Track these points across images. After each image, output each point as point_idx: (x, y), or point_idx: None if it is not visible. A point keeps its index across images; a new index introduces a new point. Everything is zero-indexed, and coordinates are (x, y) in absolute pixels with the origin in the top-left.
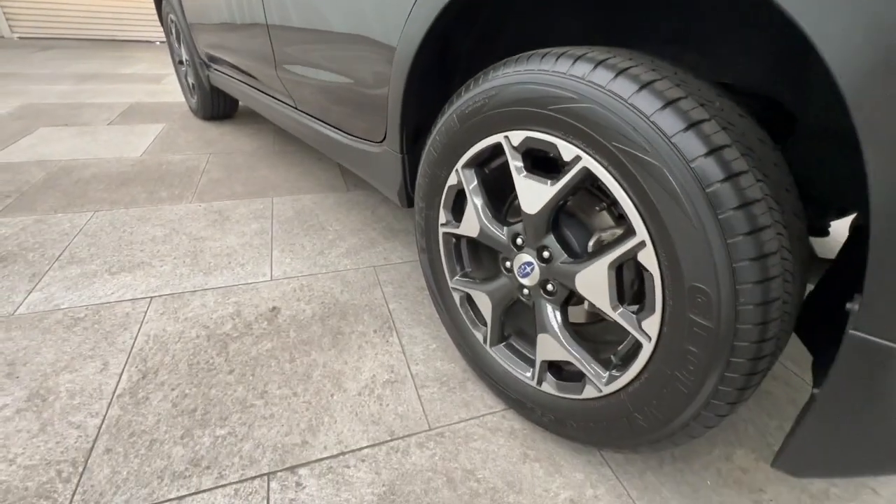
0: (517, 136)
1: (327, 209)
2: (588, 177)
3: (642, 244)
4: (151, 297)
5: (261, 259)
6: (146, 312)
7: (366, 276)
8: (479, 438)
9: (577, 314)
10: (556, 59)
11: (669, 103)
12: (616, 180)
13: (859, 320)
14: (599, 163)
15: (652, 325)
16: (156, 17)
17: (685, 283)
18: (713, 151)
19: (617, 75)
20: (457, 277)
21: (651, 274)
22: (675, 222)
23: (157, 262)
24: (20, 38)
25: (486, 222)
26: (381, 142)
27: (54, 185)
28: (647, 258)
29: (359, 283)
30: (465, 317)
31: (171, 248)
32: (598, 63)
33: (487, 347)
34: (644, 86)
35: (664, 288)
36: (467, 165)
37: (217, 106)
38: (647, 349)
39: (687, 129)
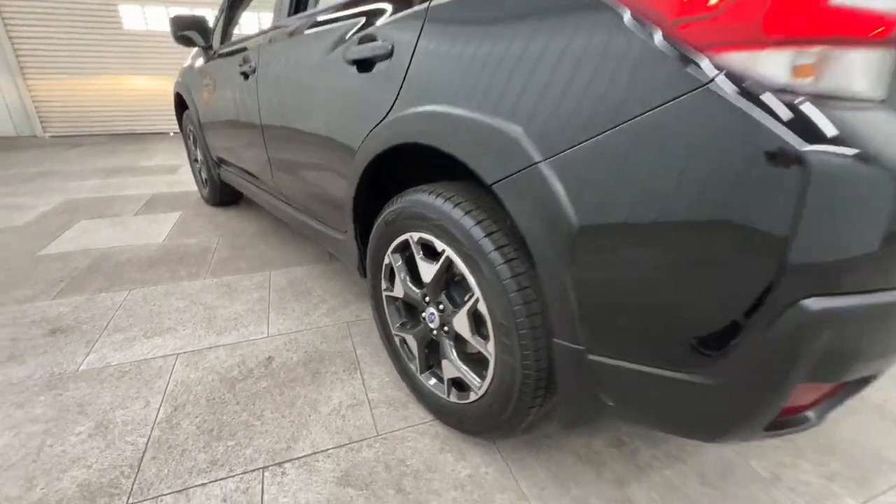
0: (415, 236)
1: (314, 278)
2: (449, 260)
3: (478, 300)
4: (178, 354)
5: (260, 321)
6: (174, 365)
7: (340, 329)
8: (411, 440)
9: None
10: (427, 194)
11: (478, 223)
12: (461, 262)
13: (557, 333)
14: (454, 252)
15: (490, 347)
16: (170, 110)
17: (497, 320)
18: (498, 248)
19: (454, 206)
20: (397, 326)
21: (484, 316)
22: (488, 286)
23: (181, 327)
24: (51, 136)
25: (408, 288)
26: (345, 232)
27: (97, 270)
28: (482, 306)
29: (335, 335)
30: (404, 354)
31: (190, 315)
32: (445, 198)
33: (418, 374)
34: (466, 212)
35: (491, 323)
36: (394, 251)
37: (225, 195)
38: (492, 363)
39: (486, 236)
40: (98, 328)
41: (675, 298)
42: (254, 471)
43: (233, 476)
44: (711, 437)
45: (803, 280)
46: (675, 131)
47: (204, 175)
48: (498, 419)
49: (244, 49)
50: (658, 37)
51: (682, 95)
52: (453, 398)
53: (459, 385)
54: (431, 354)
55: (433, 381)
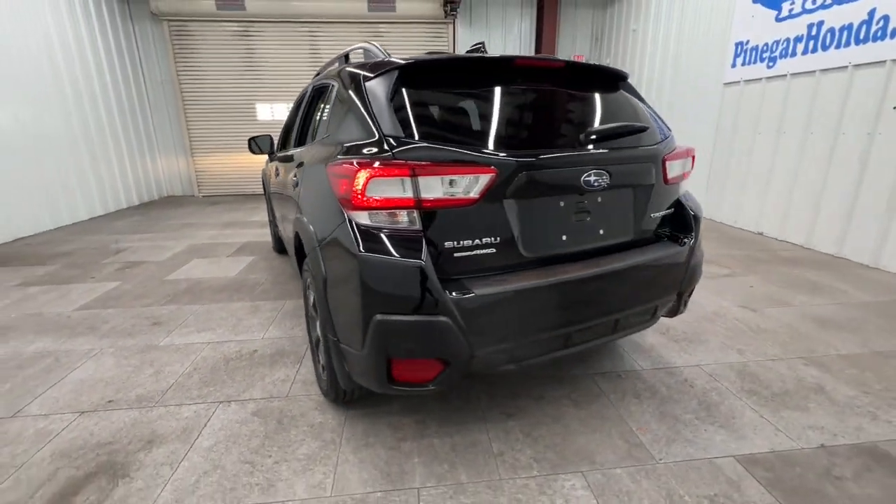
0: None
1: None
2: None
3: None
4: (208, 343)
5: (262, 330)
6: (204, 349)
7: (306, 339)
8: (302, 401)
9: None
10: None
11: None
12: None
13: (332, 332)
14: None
15: (321, 346)
16: None
17: (319, 328)
18: (308, 277)
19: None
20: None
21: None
22: (313, 304)
23: (217, 328)
24: (203, 196)
25: (310, 305)
26: None
27: (189, 291)
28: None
29: (301, 342)
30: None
31: (226, 322)
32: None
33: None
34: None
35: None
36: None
37: (282, 245)
38: (322, 358)
39: (304, 270)
40: (177, 324)
41: (343, 302)
42: (220, 402)
43: (204, 404)
44: (376, 387)
45: (376, 304)
46: (339, 230)
47: (272, 231)
48: (334, 392)
49: (290, 157)
50: (339, 205)
51: (342, 223)
52: (324, 378)
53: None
54: (317, 350)
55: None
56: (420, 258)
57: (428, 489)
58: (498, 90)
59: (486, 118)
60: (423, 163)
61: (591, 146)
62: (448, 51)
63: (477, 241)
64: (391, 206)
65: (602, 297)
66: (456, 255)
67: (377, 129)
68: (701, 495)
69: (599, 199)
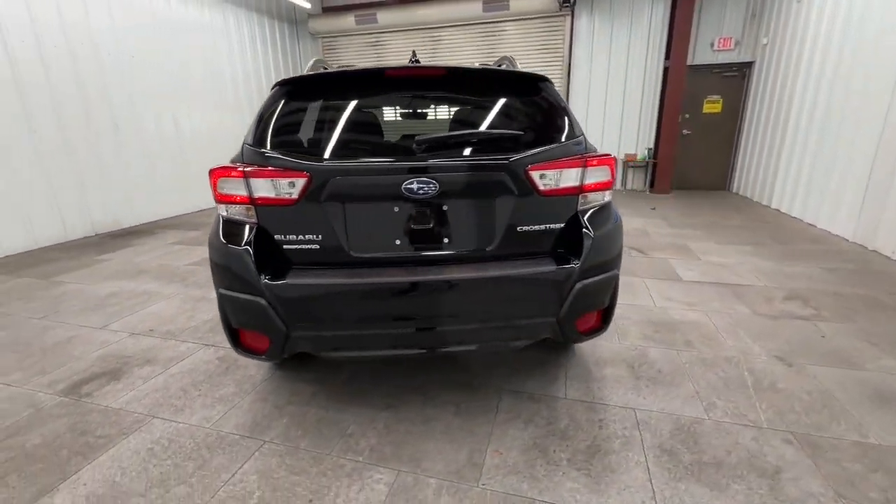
0: None
1: None
2: None
3: None
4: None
5: None
6: None
7: None
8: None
9: None
10: None
11: None
12: None
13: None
14: None
15: None
16: None
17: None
18: None
19: None
20: None
21: None
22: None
23: None
24: None
25: None
26: None
27: None
28: None
29: None
30: None
31: None
32: None
33: None
34: None
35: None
36: None
37: None
38: None
39: None
40: None
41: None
42: (206, 345)
43: (196, 344)
44: (233, 349)
45: (219, 280)
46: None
47: None
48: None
49: None
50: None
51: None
52: None
53: None
54: None
55: None
56: (244, 245)
57: (270, 444)
58: (354, 102)
59: (332, 128)
60: (254, 167)
61: (424, 154)
62: (563, 46)
63: (301, 236)
64: (233, 201)
65: (436, 305)
66: (285, 246)
67: (250, 135)
68: None
69: (445, 208)
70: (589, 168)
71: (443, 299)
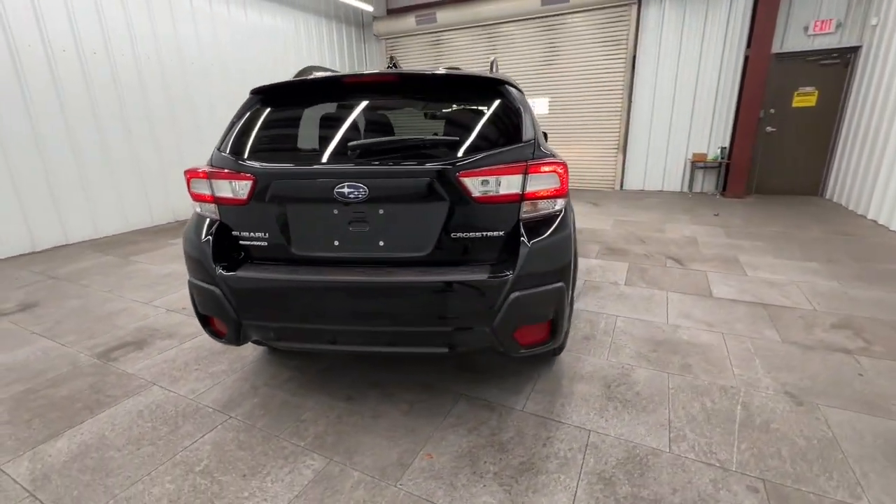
0: None
1: None
2: None
3: None
4: None
5: None
6: None
7: None
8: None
9: None
10: None
11: None
12: None
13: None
14: None
15: None
16: None
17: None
18: None
19: None
20: None
21: None
22: None
23: None
24: None
25: None
26: None
27: None
28: None
29: None
30: None
31: None
32: None
33: None
34: None
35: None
36: None
37: None
38: None
39: None
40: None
41: None
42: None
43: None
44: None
45: (188, 269)
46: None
47: None
48: None
49: None
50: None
51: None
52: None
53: None
54: None
55: None
56: (205, 238)
57: (234, 419)
58: (310, 109)
59: (285, 134)
60: (213, 169)
61: (359, 160)
62: (627, 38)
63: (253, 233)
64: (202, 199)
65: (368, 306)
66: (242, 242)
67: (220, 140)
68: None
69: (382, 211)
70: (532, 175)
71: (374, 301)
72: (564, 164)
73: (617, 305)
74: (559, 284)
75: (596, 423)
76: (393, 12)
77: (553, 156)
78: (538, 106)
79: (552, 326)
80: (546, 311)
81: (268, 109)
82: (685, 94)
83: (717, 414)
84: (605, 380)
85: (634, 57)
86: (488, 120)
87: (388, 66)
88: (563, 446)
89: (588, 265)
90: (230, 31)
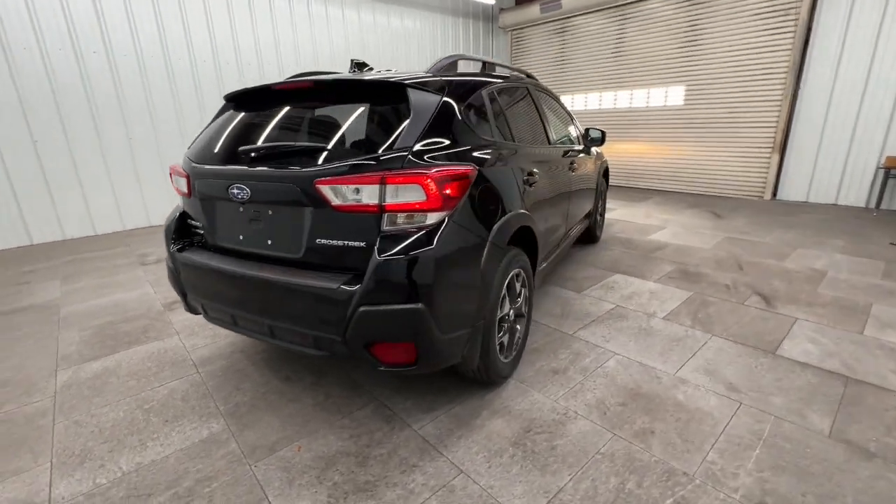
0: None
1: None
2: None
3: None
4: None
5: None
6: None
7: None
8: None
9: None
10: None
11: None
12: None
13: None
14: None
15: None
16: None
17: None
18: None
19: None
20: None
21: None
22: None
23: None
24: None
25: None
26: None
27: None
28: None
29: None
30: None
31: None
32: None
33: None
34: None
35: None
36: None
37: None
38: None
39: None
40: None
41: None
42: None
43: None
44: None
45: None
46: None
47: None
48: None
49: None
50: None
51: None
52: None
53: None
54: None
55: None
56: (168, 223)
57: (198, 375)
58: (243, 114)
59: (220, 137)
60: (173, 166)
61: (253, 162)
62: (798, 8)
63: (195, 222)
64: (177, 191)
65: (250, 297)
66: (192, 229)
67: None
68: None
69: (270, 212)
70: (390, 185)
71: (253, 293)
72: (439, 176)
73: (627, 342)
74: (416, 306)
75: (476, 465)
76: (520, 2)
77: (424, 167)
78: (671, 96)
79: (417, 350)
80: (401, 332)
81: (226, 113)
82: (885, 78)
83: (632, 499)
84: (531, 423)
85: (809, 29)
86: (367, 126)
87: (351, 70)
88: (420, 479)
89: (636, 289)
90: (378, 34)
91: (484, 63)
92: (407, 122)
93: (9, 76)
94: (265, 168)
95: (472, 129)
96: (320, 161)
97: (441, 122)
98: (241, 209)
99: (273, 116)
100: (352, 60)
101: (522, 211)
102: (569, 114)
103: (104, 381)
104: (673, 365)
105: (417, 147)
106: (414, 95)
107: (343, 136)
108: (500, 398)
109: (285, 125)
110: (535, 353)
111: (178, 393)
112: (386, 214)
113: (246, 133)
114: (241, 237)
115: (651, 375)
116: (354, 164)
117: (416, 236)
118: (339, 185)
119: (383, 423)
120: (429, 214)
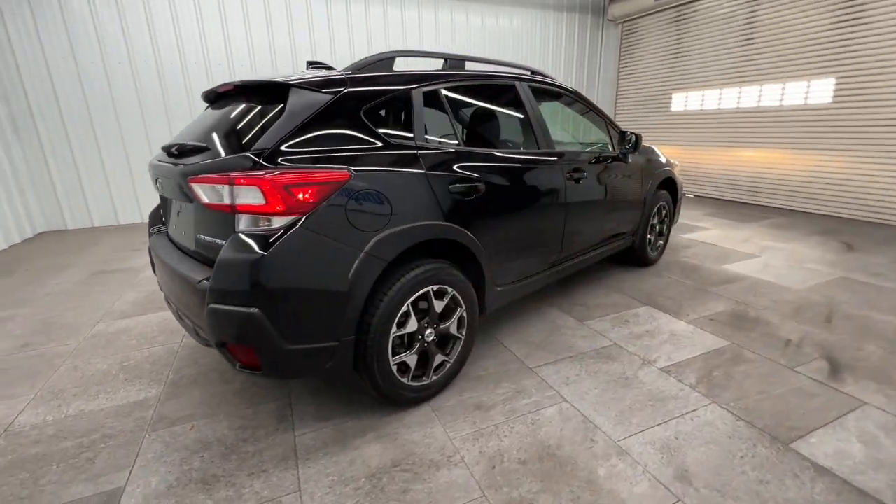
0: None
1: None
2: None
3: None
4: None
5: None
6: None
7: None
8: None
9: None
10: None
11: None
12: None
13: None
14: None
15: None
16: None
17: None
18: None
19: None
20: None
21: None
22: None
23: None
24: None
25: None
26: None
27: None
28: None
29: None
30: None
31: None
32: None
33: None
34: None
35: None
36: None
37: None
38: None
39: None
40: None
41: None
42: None
43: None
44: None
45: None
46: None
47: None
48: None
49: None
50: None
51: None
52: None
53: None
54: None
55: None
56: (152, 209)
57: (180, 344)
58: (203, 112)
59: (179, 132)
60: None
61: (172, 156)
62: None
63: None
64: None
65: (165, 282)
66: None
67: None
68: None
69: (180, 206)
70: (237, 187)
71: (165, 278)
72: (282, 180)
73: (590, 390)
74: (251, 311)
75: (317, 488)
76: None
77: (271, 169)
78: (815, 92)
79: (258, 355)
80: (240, 335)
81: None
82: None
83: None
84: (406, 457)
85: None
86: (244, 126)
87: (310, 67)
88: (257, 487)
89: (656, 327)
90: (485, 37)
91: (446, 59)
92: (276, 123)
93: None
94: (164, 163)
95: (372, 130)
96: (198, 159)
97: (319, 123)
98: (171, 201)
99: (205, 116)
100: (308, 62)
101: (442, 223)
102: (602, 116)
103: (117, 337)
104: (625, 430)
105: (282, 148)
106: (294, 96)
107: (225, 136)
108: (397, 422)
109: (207, 124)
110: (475, 381)
111: (153, 358)
112: (237, 215)
113: (187, 130)
114: (173, 227)
115: (586, 436)
116: (216, 164)
117: (257, 240)
118: (203, 184)
119: (275, 422)
120: (273, 218)
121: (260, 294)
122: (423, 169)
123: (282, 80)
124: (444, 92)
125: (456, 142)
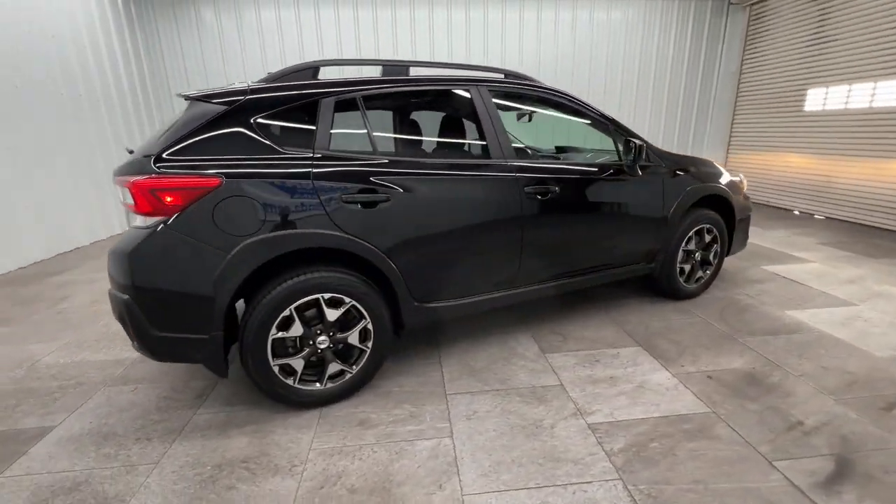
0: None
1: None
2: None
3: None
4: None
5: None
6: None
7: None
8: None
9: None
10: None
11: None
12: None
13: None
14: None
15: None
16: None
17: None
18: None
19: None
20: None
21: None
22: None
23: None
24: None
25: None
26: None
27: None
28: None
29: None
30: None
31: None
32: None
33: None
34: None
35: None
36: None
37: None
38: None
39: None
40: None
41: None
42: None
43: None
44: None
45: None
46: None
47: None
48: None
49: None
50: None
51: None
52: None
53: None
54: None
55: None
56: None
57: None
58: None
59: None
60: None
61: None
62: None
63: None
64: None
65: None
66: None
67: None
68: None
69: None
70: (123, 188)
71: None
72: (147, 183)
73: (491, 435)
74: (124, 297)
75: (161, 475)
76: None
77: (148, 174)
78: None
79: (132, 337)
80: (120, 316)
81: None
82: None
83: None
84: (259, 458)
85: None
86: (162, 133)
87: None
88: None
89: (626, 374)
90: (593, 32)
91: (402, 64)
92: (168, 131)
93: None
94: None
95: (259, 139)
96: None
97: (204, 132)
98: None
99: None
100: (268, 73)
101: (326, 232)
102: (608, 121)
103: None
104: (485, 484)
105: (165, 154)
106: (192, 107)
107: (148, 141)
108: (280, 420)
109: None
110: (381, 396)
111: None
112: (136, 215)
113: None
114: None
115: (437, 481)
116: (121, 166)
117: (136, 236)
118: (122, 185)
119: (192, 398)
120: (144, 218)
121: (126, 282)
122: (310, 179)
123: (191, 93)
124: (365, 100)
125: (370, 150)
